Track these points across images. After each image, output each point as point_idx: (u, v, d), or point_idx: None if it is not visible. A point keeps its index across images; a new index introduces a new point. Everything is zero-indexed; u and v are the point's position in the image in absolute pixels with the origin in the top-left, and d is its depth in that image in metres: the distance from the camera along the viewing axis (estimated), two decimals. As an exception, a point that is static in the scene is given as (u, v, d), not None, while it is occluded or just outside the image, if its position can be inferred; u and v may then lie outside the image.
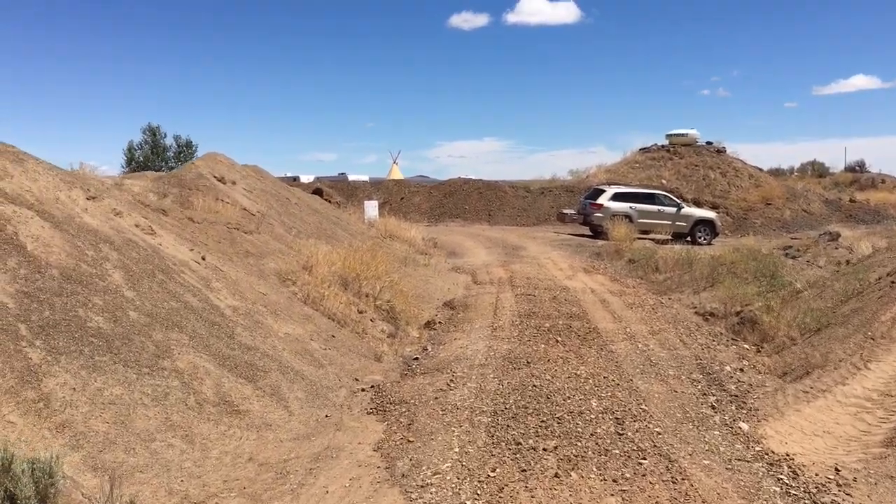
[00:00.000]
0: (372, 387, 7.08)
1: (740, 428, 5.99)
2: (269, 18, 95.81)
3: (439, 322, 10.73)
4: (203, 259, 8.00)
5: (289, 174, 58.10)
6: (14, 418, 4.77)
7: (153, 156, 49.75)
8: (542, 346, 8.49)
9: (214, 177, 12.21)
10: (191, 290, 7.20)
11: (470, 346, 8.59)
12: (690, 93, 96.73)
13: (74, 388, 5.23)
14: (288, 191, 15.86)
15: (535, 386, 6.73)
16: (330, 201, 33.27)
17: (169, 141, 50.95)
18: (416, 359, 8.39)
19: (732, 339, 10.05)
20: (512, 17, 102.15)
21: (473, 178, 38.91)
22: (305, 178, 54.01)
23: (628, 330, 9.72)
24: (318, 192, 33.29)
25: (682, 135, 38.96)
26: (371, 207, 25.37)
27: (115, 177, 10.91)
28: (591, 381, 7.01)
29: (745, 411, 6.49)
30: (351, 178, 55.10)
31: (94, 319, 5.94)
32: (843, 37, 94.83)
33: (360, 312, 9.49)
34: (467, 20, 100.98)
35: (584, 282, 14.61)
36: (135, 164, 47.88)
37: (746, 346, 9.62)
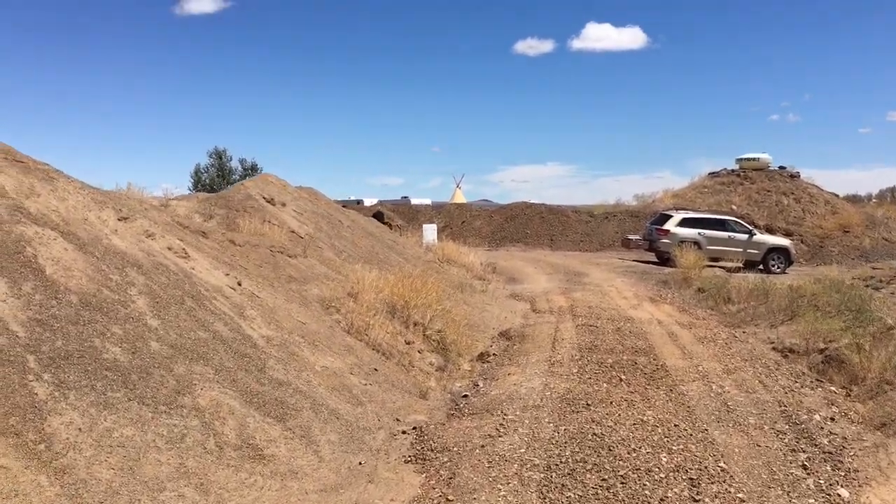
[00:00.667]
0: (414, 429, 6.41)
1: (840, 496, 5.10)
2: (337, 46, 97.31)
3: (493, 354, 10.02)
4: (239, 284, 7.50)
5: (353, 197, 58.68)
6: (8, 462, 4.26)
7: (219, 178, 50.60)
8: (605, 385, 7.70)
9: (264, 198, 11.82)
10: (222, 318, 6.69)
11: (524, 384, 7.87)
12: (759, 118, 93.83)
13: (81, 429, 4.72)
14: (342, 213, 15.42)
15: (595, 434, 5.95)
16: (390, 225, 33.00)
17: (235, 164, 51.75)
18: (466, 396, 7.70)
19: (817, 380, 9.06)
20: (577, 44, 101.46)
21: (536, 202, 38.15)
22: (369, 202, 54.49)
23: (700, 368, 8.84)
24: (378, 215, 33.10)
25: (754, 159, 37.46)
26: (429, 231, 24.90)
27: (161, 197, 10.59)
28: (659, 429, 6.20)
29: (842, 473, 5.58)
30: (414, 201, 55.29)
31: (111, 350, 5.45)
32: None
33: (408, 343, 8.86)
34: (532, 46, 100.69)
35: (651, 312, 13.71)
36: (201, 186, 48.74)
37: (834, 388, 8.63)
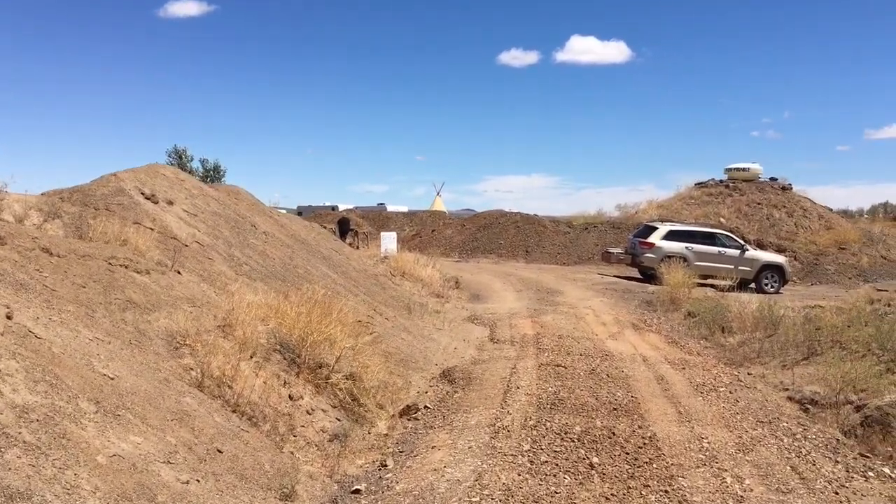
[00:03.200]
0: (241, 573, 3.80)
1: None
2: (321, 54, 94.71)
3: (425, 407, 7.46)
4: (8, 318, 4.85)
5: (327, 203, 56.61)
6: None
7: (178, 179, 47.72)
8: (566, 478, 5.14)
9: (142, 194, 9.17)
10: (-66, 379, 4.04)
11: (449, 470, 5.29)
12: (741, 134, 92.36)
13: None
14: (265, 217, 12.76)
15: None
16: (357, 232, 30.43)
17: (196, 165, 49.05)
18: (357, 492, 5.10)
19: (861, 455, 6.59)
20: (561, 56, 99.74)
21: (512, 210, 35.59)
22: (344, 207, 52.48)
23: (704, 440, 6.31)
24: (343, 221, 30.54)
25: (744, 169, 35.13)
26: (388, 240, 22.25)
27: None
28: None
29: None
30: (390, 208, 53.31)
31: None
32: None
33: (293, 399, 6.25)
34: (517, 57, 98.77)
35: (634, 344, 11.20)
36: (159, 187, 45.83)
37: (890, 471, 6.15)
